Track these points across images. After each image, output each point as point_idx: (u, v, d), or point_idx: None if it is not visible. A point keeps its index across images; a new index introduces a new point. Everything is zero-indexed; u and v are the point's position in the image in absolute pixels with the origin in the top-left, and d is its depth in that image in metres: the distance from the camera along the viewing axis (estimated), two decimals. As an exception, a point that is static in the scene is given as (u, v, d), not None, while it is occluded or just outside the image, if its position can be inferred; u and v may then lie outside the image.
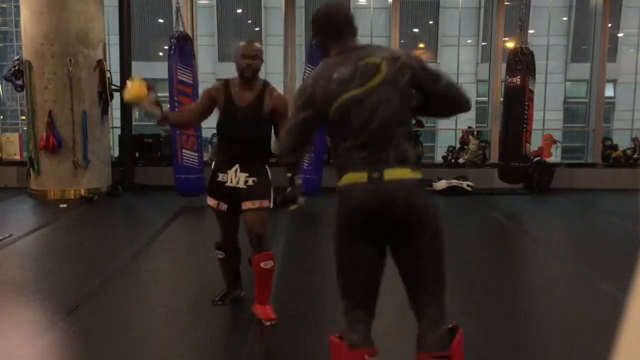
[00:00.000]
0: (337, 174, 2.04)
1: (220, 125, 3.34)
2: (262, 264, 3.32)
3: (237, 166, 3.27)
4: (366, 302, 2.06)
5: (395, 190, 1.93)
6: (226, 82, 3.31)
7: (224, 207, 3.32)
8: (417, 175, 1.98)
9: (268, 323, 3.29)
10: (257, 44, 3.30)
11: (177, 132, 7.35)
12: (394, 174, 1.93)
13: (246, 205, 3.26)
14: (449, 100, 2.07)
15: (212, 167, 3.42)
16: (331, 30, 2.11)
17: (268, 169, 3.38)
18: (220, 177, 3.30)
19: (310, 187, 7.16)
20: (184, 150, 7.38)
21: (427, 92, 2.02)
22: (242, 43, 3.25)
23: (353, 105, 1.97)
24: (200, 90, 8.27)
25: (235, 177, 3.26)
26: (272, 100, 3.26)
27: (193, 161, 7.43)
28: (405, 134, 2.00)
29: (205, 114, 3.37)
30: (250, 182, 3.27)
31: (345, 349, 2.00)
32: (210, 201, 3.35)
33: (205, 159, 9.02)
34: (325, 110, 2.02)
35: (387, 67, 1.97)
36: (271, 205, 3.34)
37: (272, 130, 3.33)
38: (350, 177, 1.97)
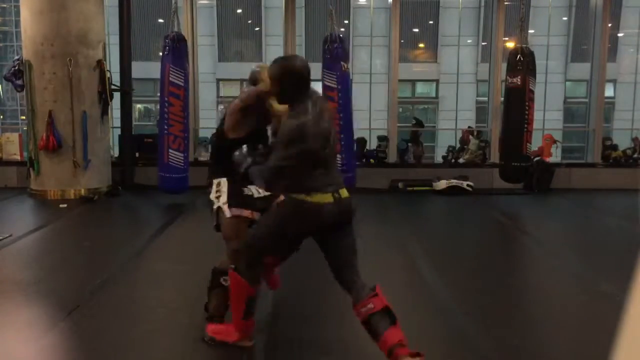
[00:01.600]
0: (302, 189, 2.68)
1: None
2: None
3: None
4: (269, 266, 3.08)
5: (347, 204, 2.74)
6: None
7: (257, 215, 3.24)
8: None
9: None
10: None
11: (165, 132, 7.39)
12: (344, 192, 2.74)
13: None
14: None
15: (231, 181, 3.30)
16: (300, 82, 2.71)
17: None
18: (245, 191, 3.26)
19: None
20: (170, 150, 7.41)
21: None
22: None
23: (322, 141, 2.68)
24: (191, 92, 8.33)
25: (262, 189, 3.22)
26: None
27: (178, 161, 7.45)
28: None
29: None
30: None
31: (245, 284, 2.86)
32: (244, 212, 3.24)
33: (205, 158, 9.04)
34: (314, 150, 2.67)
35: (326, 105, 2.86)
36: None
37: None
38: (318, 197, 2.68)
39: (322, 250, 2.80)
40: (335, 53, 7.66)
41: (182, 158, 7.49)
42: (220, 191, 3.28)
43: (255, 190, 3.26)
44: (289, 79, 2.66)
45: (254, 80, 3.21)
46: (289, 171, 2.65)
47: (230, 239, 3.20)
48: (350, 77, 8.16)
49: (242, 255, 2.88)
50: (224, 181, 3.28)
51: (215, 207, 3.26)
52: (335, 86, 7.63)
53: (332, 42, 7.68)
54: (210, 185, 3.33)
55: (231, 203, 3.23)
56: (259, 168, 2.72)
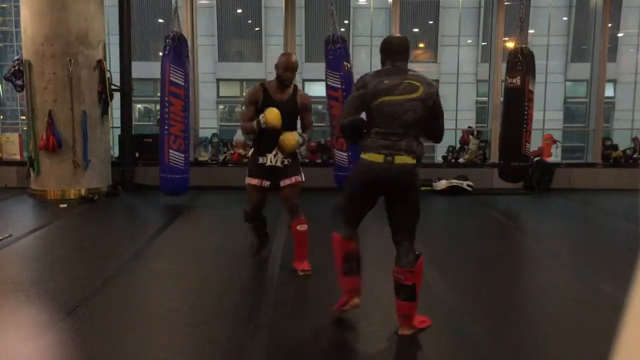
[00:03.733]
0: (364, 149, 3.12)
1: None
2: (298, 227, 4.28)
3: (275, 150, 4.17)
4: (356, 222, 3.30)
5: (399, 169, 3.06)
6: (263, 84, 4.26)
7: (266, 183, 4.26)
8: (414, 162, 3.10)
9: (302, 273, 4.24)
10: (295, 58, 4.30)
11: (165, 132, 7.38)
12: (400, 159, 3.05)
13: (284, 182, 4.23)
14: (434, 132, 3.28)
15: (251, 153, 4.34)
16: (390, 52, 3.18)
17: (297, 151, 4.33)
18: (261, 160, 4.20)
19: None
20: (171, 151, 7.40)
21: (428, 117, 3.13)
22: (284, 57, 4.25)
23: (389, 106, 3.04)
24: (192, 92, 8.34)
25: (275, 159, 4.18)
26: (301, 98, 4.24)
27: (179, 162, 7.45)
28: (415, 135, 3.11)
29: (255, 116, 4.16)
30: (286, 162, 4.22)
31: (342, 239, 3.26)
32: (253, 180, 4.25)
33: (205, 158, 9.05)
34: (370, 101, 3.08)
35: (423, 90, 3.08)
36: (302, 179, 4.32)
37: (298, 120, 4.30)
38: (371, 156, 3.08)
39: (386, 211, 3.25)
40: (338, 53, 7.65)
41: (182, 158, 7.48)
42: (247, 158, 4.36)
43: (269, 159, 4.17)
44: (384, 47, 3.22)
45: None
46: (364, 125, 3.15)
47: (249, 202, 4.38)
48: (353, 76, 8.16)
49: (339, 213, 3.34)
50: (252, 151, 4.30)
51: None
52: (340, 86, 7.63)
53: (335, 42, 7.68)
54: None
55: (248, 172, 4.29)
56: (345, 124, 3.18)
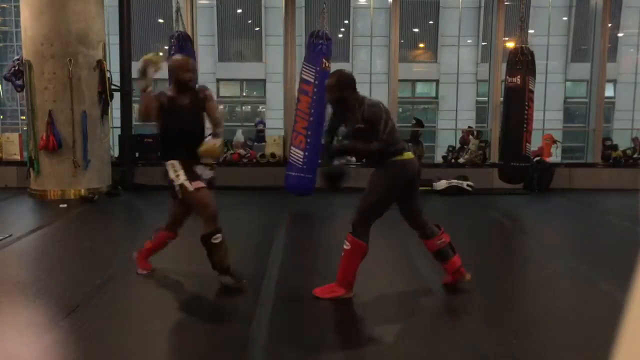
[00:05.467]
0: (394, 154, 3.61)
1: None
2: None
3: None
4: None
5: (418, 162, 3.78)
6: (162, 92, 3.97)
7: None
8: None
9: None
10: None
11: None
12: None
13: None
14: None
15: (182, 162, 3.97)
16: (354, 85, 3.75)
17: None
18: (195, 170, 3.97)
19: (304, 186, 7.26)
20: None
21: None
22: (180, 58, 4.13)
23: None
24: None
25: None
26: (202, 94, 4.02)
27: None
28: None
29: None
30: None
31: (365, 246, 3.64)
32: (200, 184, 3.90)
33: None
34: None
35: None
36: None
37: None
38: (407, 155, 3.67)
39: (400, 204, 3.75)
40: (319, 49, 7.52)
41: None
42: (177, 171, 3.86)
43: (200, 171, 3.97)
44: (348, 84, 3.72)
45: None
46: (389, 141, 3.54)
47: (207, 205, 3.87)
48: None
49: (360, 222, 3.63)
50: (177, 163, 3.89)
51: (177, 184, 3.85)
52: (312, 81, 7.38)
53: (318, 37, 7.58)
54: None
55: (190, 178, 3.87)
56: (364, 147, 3.60)
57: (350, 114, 3.67)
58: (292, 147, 7.50)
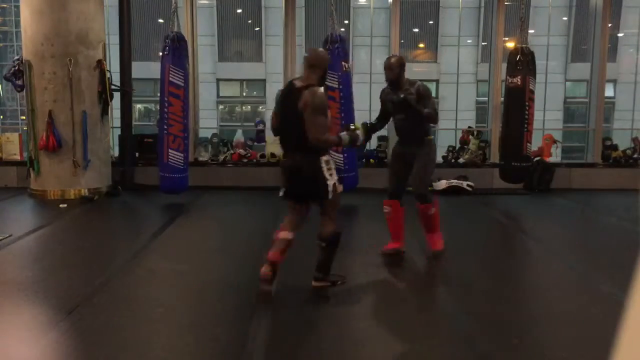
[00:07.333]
0: (428, 134, 4.68)
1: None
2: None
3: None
4: None
5: None
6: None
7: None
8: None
9: None
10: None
11: (165, 132, 7.38)
12: None
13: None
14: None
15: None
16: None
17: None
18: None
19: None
20: (170, 150, 7.39)
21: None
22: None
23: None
24: (192, 92, 8.33)
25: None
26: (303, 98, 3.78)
27: (178, 161, 7.44)
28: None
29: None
30: None
31: (437, 202, 4.71)
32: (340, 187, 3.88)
33: (205, 158, 9.05)
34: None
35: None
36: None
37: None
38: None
39: (404, 173, 4.65)
40: (337, 53, 7.61)
41: (181, 158, 7.48)
42: (331, 169, 3.69)
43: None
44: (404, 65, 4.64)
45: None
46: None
47: (339, 204, 3.79)
48: (351, 77, 8.11)
49: (427, 190, 4.71)
50: (332, 160, 3.74)
51: (331, 183, 3.65)
52: (337, 86, 7.57)
53: (333, 42, 7.65)
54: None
55: (339, 180, 3.81)
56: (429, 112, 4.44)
57: (400, 91, 4.47)
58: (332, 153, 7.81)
